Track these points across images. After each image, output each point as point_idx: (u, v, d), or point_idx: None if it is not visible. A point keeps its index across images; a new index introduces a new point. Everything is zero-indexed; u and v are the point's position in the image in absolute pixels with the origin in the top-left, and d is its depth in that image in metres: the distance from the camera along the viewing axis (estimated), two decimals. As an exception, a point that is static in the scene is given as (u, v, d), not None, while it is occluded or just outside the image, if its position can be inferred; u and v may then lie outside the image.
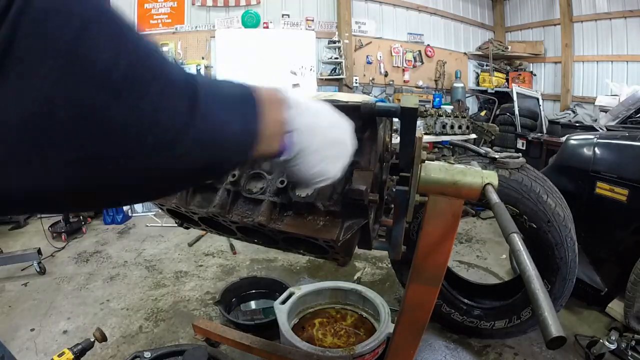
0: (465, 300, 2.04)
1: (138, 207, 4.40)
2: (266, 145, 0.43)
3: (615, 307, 2.14)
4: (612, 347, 1.76)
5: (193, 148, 0.35)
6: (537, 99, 5.61)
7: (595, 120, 4.58)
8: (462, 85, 6.11)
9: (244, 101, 0.41)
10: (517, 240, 0.62)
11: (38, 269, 2.84)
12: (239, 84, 0.43)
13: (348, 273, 2.85)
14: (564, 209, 1.76)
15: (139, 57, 0.32)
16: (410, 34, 6.06)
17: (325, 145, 0.50)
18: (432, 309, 1.14)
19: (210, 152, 0.38)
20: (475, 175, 0.92)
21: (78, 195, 0.33)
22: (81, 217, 4.00)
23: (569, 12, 5.50)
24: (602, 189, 2.06)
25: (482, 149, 1.93)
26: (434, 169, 0.95)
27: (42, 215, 4.17)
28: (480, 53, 6.46)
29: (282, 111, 0.45)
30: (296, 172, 0.50)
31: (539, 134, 5.10)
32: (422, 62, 6.12)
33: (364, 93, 5.63)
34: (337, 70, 5.54)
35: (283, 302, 1.94)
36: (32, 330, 2.17)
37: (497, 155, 1.81)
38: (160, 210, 1.20)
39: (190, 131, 0.34)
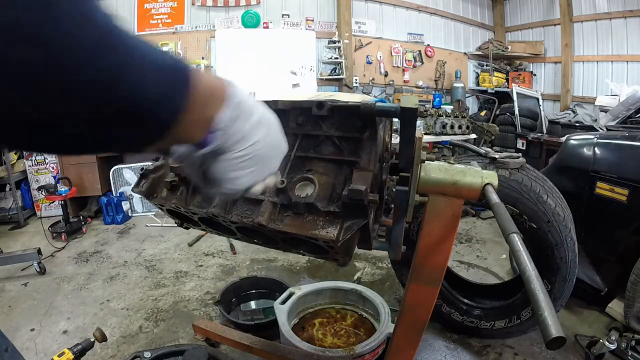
0: (465, 300, 2.04)
1: (138, 207, 4.41)
2: (187, 129, 0.40)
3: (615, 307, 2.13)
4: (612, 347, 1.76)
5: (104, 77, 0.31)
6: (537, 99, 5.61)
7: (595, 120, 4.58)
8: (462, 85, 6.11)
9: (177, 72, 0.38)
10: (517, 240, 0.62)
11: (38, 269, 2.84)
12: (179, 60, 0.39)
13: (348, 273, 2.85)
14: (564, 209, 1.76)
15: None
16: (410, 34, 6.06)
17: (252, 159, 0.47)
18: (432, 309, 1.14)
19: (121, 96, 0.32)
20: (475, 175, 0.92)
21: None
22: (81, 217, 4.00)
23: (569, 12, 5.50)
24: (602, 189, 2.06)
25: (482, 149, 1.92)
26: (434, 169, 0.95)
27: (42, 215, 4.17)
28: (480, 53, 6.46)
29: (217, 104, 0.42)
30: (210, 170, 0.46)
31: (539, 134, 5.10)
32: (422, 62, 6.12)
33: (364, 93, 5.63)
34: (337, 70, 5.54)
35: (283, 302, 1.94)
36: (32, 330, 2.17)
37: (497, 155, 1.81)
38: (160, 211, 1.20)
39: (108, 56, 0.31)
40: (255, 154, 0.47)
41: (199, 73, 0.41)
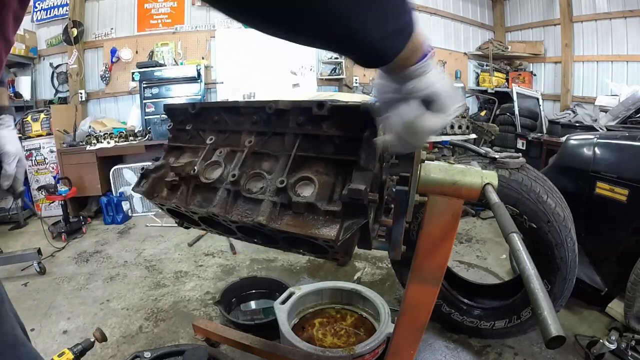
0: (465, 300, 2.04)
1: (138, 207, 4.41)
2: (411, 51, 0.56)
3: (615, 307, 2.13)
4: (612, 347, 1.76)
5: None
6: (537, 99, 5.61)
7: (595, 120, 4.58)
8: (462, 85, 6.10)
9: (407, 25, 0.55)
10: (517, 240, 0.62)
11: (38, 269, 2.84)
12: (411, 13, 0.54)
13: (348, 273, 2.85)
14: (564, 209, 1.76)
15: None
16: (410, 34, 6.05)
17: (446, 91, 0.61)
18: (432, 309, 1.14)
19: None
20: (475, 175, 0.92)
21: None
22: (81, 217, 4.00)
23: (569, 12, 5.49)
24: (602, 189, 2.06)
25: (482, 149, 1.92)
26: (434, 169, 0.95)
27: (43, 215, 4.17)
28: (480, 53, 6.46)
29: (417, 55, 0.58)
30: (417, 86, 0.60)
31: (539, 134, 5.10)
32: (422, 62, 6.11)
33: (364, 93, 5.62)
34: (337, 70, 5.54)
35: (283, 302, 1.94)
36: (32, 330, 2.17)
37: (497, 155, 1.81)
38: (160, 210, 1.20)
39: None
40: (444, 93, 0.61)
41: (418, 30, 0.56)
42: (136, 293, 2.61)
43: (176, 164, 1.04)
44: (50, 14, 4.89)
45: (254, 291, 2.44)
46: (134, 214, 4.37)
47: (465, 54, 6.50)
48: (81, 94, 4.94)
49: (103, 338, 1.71)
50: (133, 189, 1.08)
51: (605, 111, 4.43)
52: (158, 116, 4.70)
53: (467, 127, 4.21)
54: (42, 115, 4.51)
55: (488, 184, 0.90)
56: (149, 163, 1.08)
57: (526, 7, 6.28)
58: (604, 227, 2.10)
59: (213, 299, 2.46)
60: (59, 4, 4.84)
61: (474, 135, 4.43)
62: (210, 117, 1.10)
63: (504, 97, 6.02)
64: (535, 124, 5.29)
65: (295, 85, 5.24)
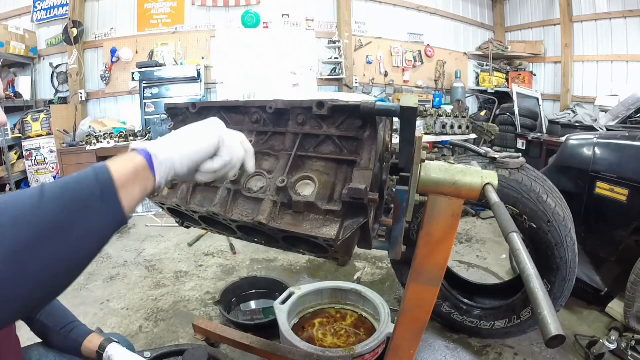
0: (465, 300, 2.04)
1: (138, 207, 4.41)
2: (138, 203, 0.55)
3: (615, 307, 2.13)
4: (612, 347, 1.76)
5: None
6: (537, 99, 5.61)
7: (595, 120, 4.58)
8: (462, 85, 6.11)
9: (106, 203, 0.49)
10: (517, 239, 0.62)
11: (38, 269, 2.84)
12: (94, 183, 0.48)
13: (348, 273, 2.85)
14: (564, 209, 1.76)
15: None
16: (410, 34, 6.06)
17: (187, 148, 0.61)
18: (432, 309, 1.14)
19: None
20: (475, 175, 0.92)
21: None
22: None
23: (569, 12, 5.50)
24: (602, 189, 2.06)
25: (482, 149, 1.92)
26: (434, 169, 0.95)
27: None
28: (480, 53, 6.46)
29: (145, 177, 0.54)
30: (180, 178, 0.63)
31: (539, 134, 5.10)
32: (422, 62, 6.12)
33: (364, 93, 5.63)
34: (337, 70, 5.54)
35: (283, 302, 1.94)
36: (32, 330, 2.17)
37: (497, 155, 1.81)
38: (160, 210, 1.20)
39: None
40: (190, 152, 0.62)
41: (113, 171, 0.50)
42: (136, 293, 2.61)
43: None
44: (50, 14, 4.89)
45: (254, 291, 2.44)
46: (134, 214, 4.36)
47: (465, 54, 6.50)
48: (81, 94, 4.94)
49: (103, 338, 1.71)
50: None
51: (605, 111, 4.43)
52: (158, 116, 4.70)
53: (467, 127, 4.21)
54: (42, 115, 4.51)
55: (488, 184, 0.90)
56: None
57: (526, 7, 6.29)
58: (604, 227, 2.09)
59: (213, 299, 2.46)
60: (59, 4, 4.84)
61: (474, 135, 4.43)
62: (210, 117, 1.10)
63: (504, 97, 6.03)
64: (535, 124, 5.30)
65: (295, 85, 5.24)
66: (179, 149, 0.60)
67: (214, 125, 0.67)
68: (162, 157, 0.56)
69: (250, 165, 0.73)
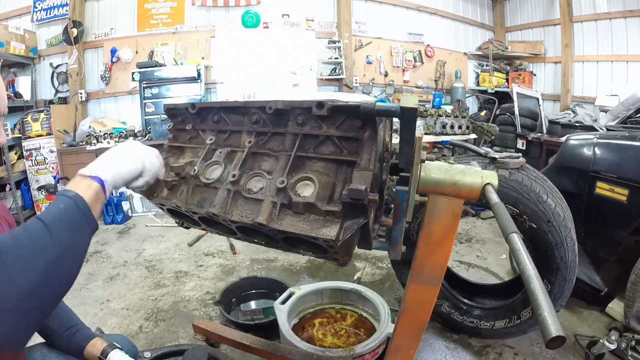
0: (465, 300, 2.04)
1: (138, 207, 4.41)
2: (99, 212, 0.73)
3: (615, 307, 2.13)
4: (612, 347, 1.76)
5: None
6: (537, 99, 5.61)
7: (595, 120, 4.58)
8: (462, 85, 6.11)
9: (87, 220, 0.69)
10: (517, 240, 0.62)
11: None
12: (73, 212, 0.67)
13: (348, 273, 2.85)
14: (564, 209, 1.76)
15: None
16: (410, 34, 6.06)
17: (122, 172, 0.83)
18: (432, 309, 1.14)
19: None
20: (475, 175, 0.92)
21: None
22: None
23: (569, 12, 5.50)
24: (602, 189, 2.06)
25: (482, 149, 1.92)
26: (434, 169, 0.95)
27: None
28: (480, 53, 6.46)
29: (102, 197, 0.74)
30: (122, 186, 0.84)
31: (539, 134, 5.10)
32: (422, 62, 6.12)
33: (364, 93, 5.63)
34: (337, 70, 5.54)
35: (283, 302, 1.94)
36: (32, 330, 2.17)
37: (497, 155, 1.81)
38: (160, 210, 1.20)
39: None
40: (125, 170, 0.84)
41: (81, 192, 0.69)
42: (136, 293, 2.61)
43: (176, 164, 1.04)
44: (50, 14, 4.89)
45: (254, 291, 2.44)
46: (134, 214, 4.37)
47: (465, 54, 6.50)
48: (81, 94, 4.94)
49: (103, 338, 1.71)
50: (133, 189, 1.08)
51: (605, 111, 4.43)
52: (158, 116, 4.70)
53: (467, 127, 4.21)
54: (42, 115, 4.51)
55: (488, 184, 0.90)
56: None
57: (526, 7, 6.29)
58: (604, 227, 2.09)
59: (213, 299, 2.46)
60: (59, 4, 4.84)
61: (474, 135, 4.43)
62: (210, 117, 1.10)
63: (504, 97, 6.03)
64: (535, 124, 5.30)
65: (295, 85, 5.24)
66: (119, 173, 0.80)
67: (138, 151, 0.88)
68: (110, 180, 0.77)
69: (162, 174, 0.96)
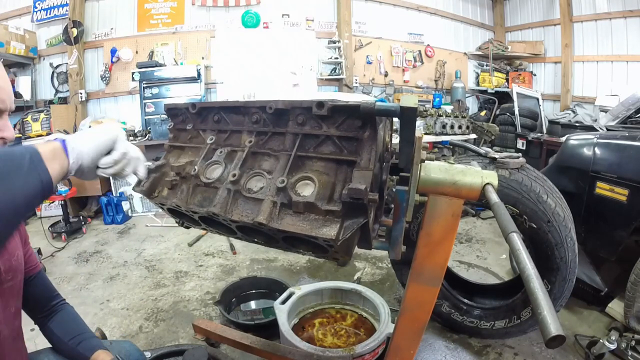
0: (465, 300, 2.04)
1: (138, 207, 4.41)
2: (58, 176, 0.68)
3: (615, 307, 2.14)
4: (612, 347, 1.76)
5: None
6: (537, 99, 5.61)
7: (595, 120, 4.58)
8: (462, 85, 6.11)
9: (34, 166, 0.63)
10: (517, 239, 0.62)
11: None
12: (28, 156, 0.63)
13: (348, 273, 2.85)
14: (564, 209, 1.76)
15: None
16: (410, 34, 6.06)
17: (92, 153, 0.75)
18: (432, 309, 1.14)
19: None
20: (475, 175, 0.92)
21: None
22: (81, 217, 4.00)
23: (569, 12, 5.50)
24: (602, 189, 2.06)
25: (482, 149, 1.92)
26: (434, 169, 0.95)
27: (42, 215, 4.17)
28: (480, 53, 6.46)
29: (61, 157, 0.69)
30: (83, 170, 0.75)
31: (539, 134, 5.10)
32: (422, 62, 6.12)
33: (364, 93, 5.63)
34: (337, 70, 5.54)
35: (283, 302, 1.94)
36: (32, 330, 2.16)
37: (497, 155, 1.81)
38: (160, 210, 1.20)
39: None
40: (95, 149, 0.76)
41: (41, 150, 0.65)
42: (136, 293, 2.61)
43: (176, 164, 1.04)
44: (50, 14, 4.89)
45: (254, 291, 2.44)
46: (134, 214, 4.37)
47: (465, 54, 6.50)
48: (81, 94, 4.94)
49: (103, 338, 1.71)
50: (133, 189, 1.08)
51: (605, 111, 4.43)
52: (158, 116, 4.70)
53: (467, 127, 4.21)
54: (42, 115, 4.51)
55: (488, 184, 0.90)
56: (150, 163, 1.08)
57: (526, 7, 6.29)
58: (604, 227, 2.10)
59: (213, 299, 2.46)
60: (59, 4, 4.84)
61: (474, 135, 4.43)
62: (210, 117, 1.10)
63: (504, 97, 6.03)
64: (535, 124, 5.30)
65: (295, 85, 5.24)
66: (85, 142, 0.75)
67: (112, 127, 0.82)
68: (73, 144, 0.72)
69: (141, 171, 0.86)
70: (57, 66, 5.03)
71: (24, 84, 4.83)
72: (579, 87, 5.63)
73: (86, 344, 1.14)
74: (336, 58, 5.48)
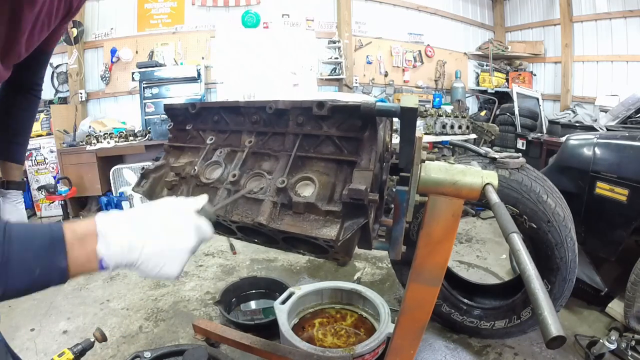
0: (465, 300, 2.04)
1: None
2: (81, 269, 0.54)
3: (615, 307, 2.13)
4: (612, 347, 1.76)
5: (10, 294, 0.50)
6: (537, 99, 5.61)
7: (595, 120, 4.58)
8: (462, 85, 6.11)
9: (52, 246, 0.52)
10: (517, 240, 0.62)
11: (38, 269, 2.84)
12: (48, 232, 0.52)
13: (348, 273, 2.85)
14: (564, 209, 1.76)
15: None
16: (410, 34, 6.06)
17: (157, 253, 0.57)
18: (432, 309, 1.14)
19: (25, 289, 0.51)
20: (475, 175, 0.92)
21: None
22: (81, 217, 4.00)
23: (569, 12, 5.50)
24: (602, 189, 2.06)
25: (482, 149, 1.92)
26: (434, 169, 0.95)
27: (43, 216, 4.17)
28: (480, 53, 6.46)
29: (92, 244, 0.54)
30: (141, 274, 0.59)
31: (539, 134, 5.10)
32: (422, 62, 6.12)
33: (364, 93, 5.63)
34: (337, 70, 5.54)
35: (283, 302, 1.94)
36: (32, 330, 2.17)
37: (497, 155, 1.81)
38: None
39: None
40: (151, 265, 0.57)
41: (67, 231, 0.53)
42: (136, 293, 2.61)
43: (176, 164, 1.04)
44: (50, 14, 4.89)
45: (254, 291, 2.44)
46: (134, 214, 4.36)
47: (465, 54, 6.50)
48: (81, 94, 4.94)
49: (103, 338, 1.71)
50: (133, 189, 1.08)
51: (605, 111, 4.43)
52: (158, 116, 4.70)
53: (467, 127, 4.21)
54: (42, 115, 4.51)
55: (488, 184, 0.90)
56: (149, 163, 1.08)
57: (526, 7, 6.29)
58: (604, 227, 2.09)
59: (213, 299, 2.46)
60: (59, 3, 4.84)
61: (474, 135, 4.43)
62: (210, 117, 1.10)
63: (504, 97, 6.03)
64: (535, 124, 5.30)
65: (295, 85, 5.24)
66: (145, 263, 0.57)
67: (193, 234, 0.62)
68: (115, 260, 0.55)
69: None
70: (57, 66, 5.02)
71: (23, 84, 4.82)
72: (579, 87, 5.63)
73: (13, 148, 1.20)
74: (336, 58, 5.48)
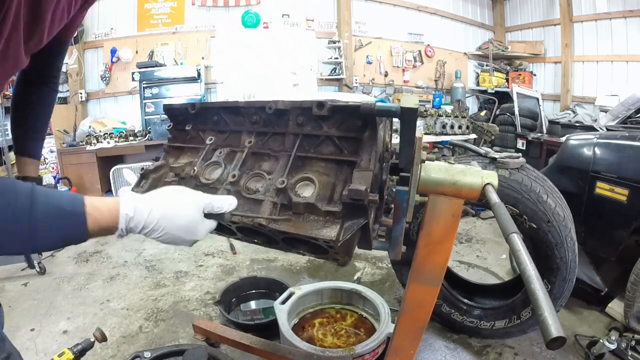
0: (465, 300, 2.04)
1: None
2: (100, 232, 0.62)
3: (615, 307, 2.13)
4: (612, 347, 1.76)
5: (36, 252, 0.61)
6: (537, 99, 5.61)
7: (595, 120, 4.58)
8: (462, 85, 6.11)
9: (75, 209, 0.59)
10: (517, 240, 0.62)
11: (38, 269, 2.84)
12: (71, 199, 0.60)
13: (348, 273, 2.85)
14: (564, 209, 1.76)
15: None
16: (410, 34, 6.06)
17: (166, 239, 0.68)
18: (432, 309, 1.14)
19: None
20: (475, 175, 0.92)
21: None
22: (81, 217, 3.99)
23: (569, 12, 5.50)
24: (602, 189, 2.06)
25: (482, 149, 1.92)
26: (434, 169, 0.95)
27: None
28: (480, 53, 6.46)
29: (113, 216, 0.62)
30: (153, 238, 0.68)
31: (539, 134, 5.10)
32: (422, 62, 6.12)
33: (364, 93, 5.63)
34: (337, 70, 5.54)
35: (283, 302, 1.94)
36: (32, 330, 2.17)
37: (497, 155, 1.81)
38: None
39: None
40: (166, 238, 0.68)
41: (90, 204, 0.60)
42: (136, 293, 2.61)
43: (176, 165, 1.04)
44: (50, 14, 4.89)
45: (254, 291, 2.44)
46: (134, 214, 4.36)
47: (465, 54, 6.50)
48: (81, 94, 4.94)
49: (103, 338, 1.71)
50: (133, 189, 1.08)
51: (605, 111, 4.43)
52: (158, 116, 4.70)
53: (467, 127, 4.21)
54: (42, 115, 4.50)
55: (488, 184, 0.90)
56: (149, 163, 1.08)
57: (526, 7, 6.29)
58: (604, 227, 2.09)
59: (213, 299, 2.46)
60: (58, 3, 4.84)
61: (474, 135, 4.43)
62: (210, 117, 1.10)
63: (504, 97, 6.03)
64: (535, 124, 5.30)
65: (295, 85, 5.24)
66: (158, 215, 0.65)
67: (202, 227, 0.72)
68: (137, 220, 0.64)
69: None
70: (57, 66, 5.02)
71: (23, 84, 4.82)
72: (579, 87, 5.63)
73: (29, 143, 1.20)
74: (336, 58, 5.48)
